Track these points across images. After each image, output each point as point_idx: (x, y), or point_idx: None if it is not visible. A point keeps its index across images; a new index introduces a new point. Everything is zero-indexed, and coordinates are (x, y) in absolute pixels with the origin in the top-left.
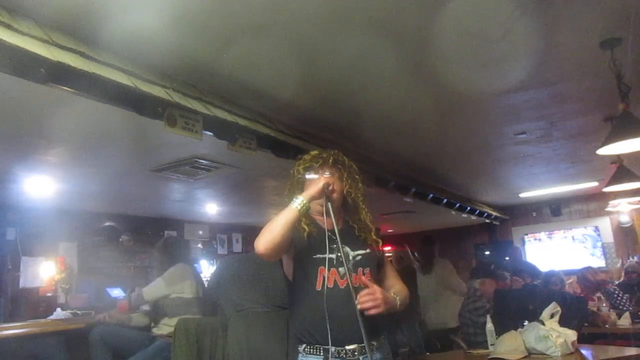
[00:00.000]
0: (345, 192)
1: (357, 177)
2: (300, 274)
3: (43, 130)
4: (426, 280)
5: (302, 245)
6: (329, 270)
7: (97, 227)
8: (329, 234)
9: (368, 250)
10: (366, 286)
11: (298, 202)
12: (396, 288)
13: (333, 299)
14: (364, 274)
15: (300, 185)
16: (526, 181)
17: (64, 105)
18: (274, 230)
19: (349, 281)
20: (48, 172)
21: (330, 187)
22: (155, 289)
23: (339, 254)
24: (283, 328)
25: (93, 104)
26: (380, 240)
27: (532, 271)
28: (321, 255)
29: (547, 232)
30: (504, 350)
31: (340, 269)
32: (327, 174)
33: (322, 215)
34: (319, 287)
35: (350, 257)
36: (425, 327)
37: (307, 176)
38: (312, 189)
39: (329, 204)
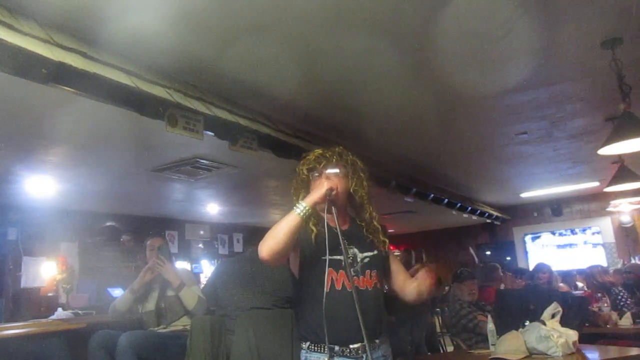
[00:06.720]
0: (351, 190)
1: (362, 174)
2: (308, 274)
3: (44, 130)
4: None
5: (310, 246)
6: (337, 272)
7: (98, 227)
8: (338, 235)
9: (376, 252)
10: (371, 287)
11: (301, 209)
12: (413, 282)
13: (341, 301)
14: (371, 277)
15: (304, 185)
16: (527, 181)
17: (65, 105)
18: (276, 237)
19: (352, 285)
20: (49, 172)
21: (334, 192)
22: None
23: (348, 256)
24: (288, 327)
25: (94, 104)
26: (387, 240)
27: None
28: (330, 257)
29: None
30: (504, 350)
31: (348, 270)
32: (331, 171)
33: (330, 216)
34: (327, 289)
35: (359, 259)
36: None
37: (313, 176)
38: (315, 195)
39: (333, 207)
